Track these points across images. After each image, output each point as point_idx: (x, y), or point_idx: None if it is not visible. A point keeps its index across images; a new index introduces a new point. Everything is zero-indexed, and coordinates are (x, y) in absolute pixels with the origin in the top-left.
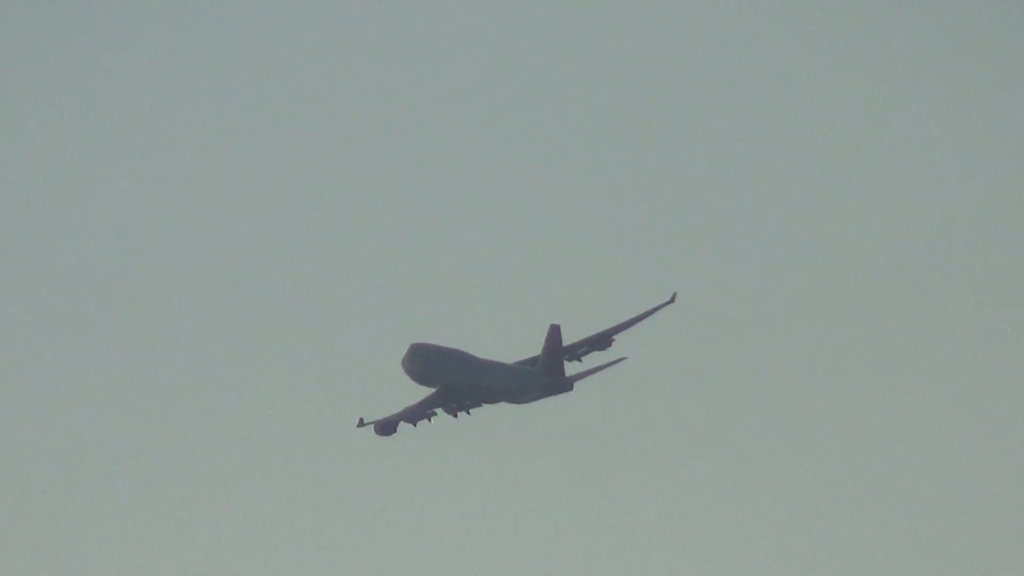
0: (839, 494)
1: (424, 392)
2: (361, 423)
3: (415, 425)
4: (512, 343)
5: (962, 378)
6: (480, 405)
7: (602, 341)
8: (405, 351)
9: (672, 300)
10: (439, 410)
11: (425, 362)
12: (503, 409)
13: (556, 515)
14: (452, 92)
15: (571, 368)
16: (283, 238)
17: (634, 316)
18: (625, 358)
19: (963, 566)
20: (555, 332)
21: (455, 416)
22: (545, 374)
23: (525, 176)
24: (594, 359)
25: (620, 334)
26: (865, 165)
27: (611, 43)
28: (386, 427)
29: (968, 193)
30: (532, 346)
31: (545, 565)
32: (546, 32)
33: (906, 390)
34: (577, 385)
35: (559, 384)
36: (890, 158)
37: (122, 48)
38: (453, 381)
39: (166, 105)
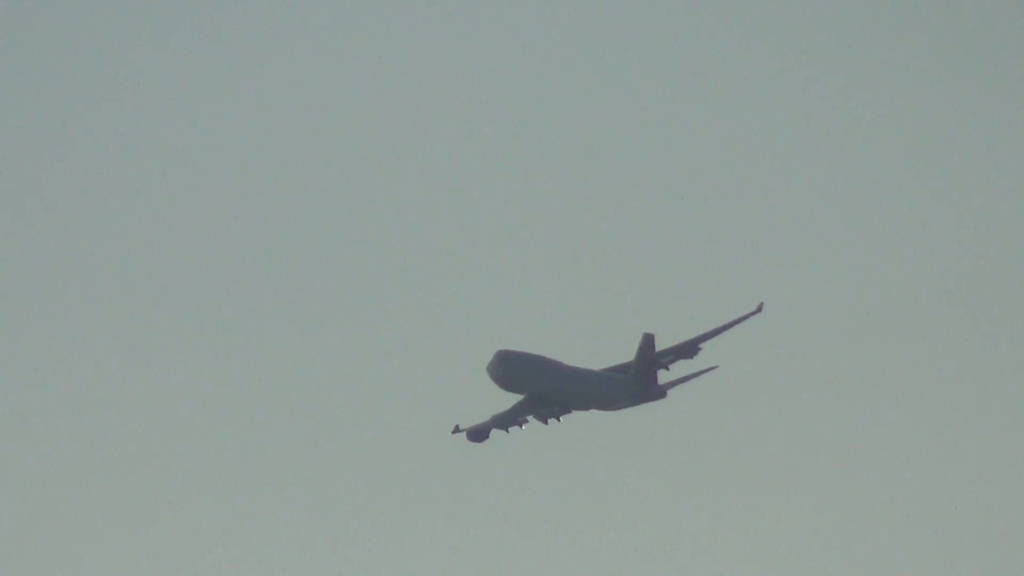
0: (922, 501)
1: (511, 399)
2: (456, 430)
3: (507, 431)
4: (598, 351)
5: None
6: (570, 412)
7: (689, 350)
8: (491, 358)
9: (759, 310)
10: (530, 417)
11: (512, 369)
12: (596, 416)
13: (649, 521)
14: (519, 94)
15: (660, 376)
16: (365, 242)
17: (721, 325)
18: (717, 367)
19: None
20: (648, 341)
21: (545, 423)
22: (638, 382)
23: (611, 185)
24: (681, 367)
25: (706, 343)
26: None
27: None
28: (479, 434)
29: None
30: (618, 354)
31: (636, 570)
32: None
33: (995, 402)
34: (670, 393)
35: (652, 392)
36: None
37: (122, 48)
38: (541, 388)
39: (169, 106)
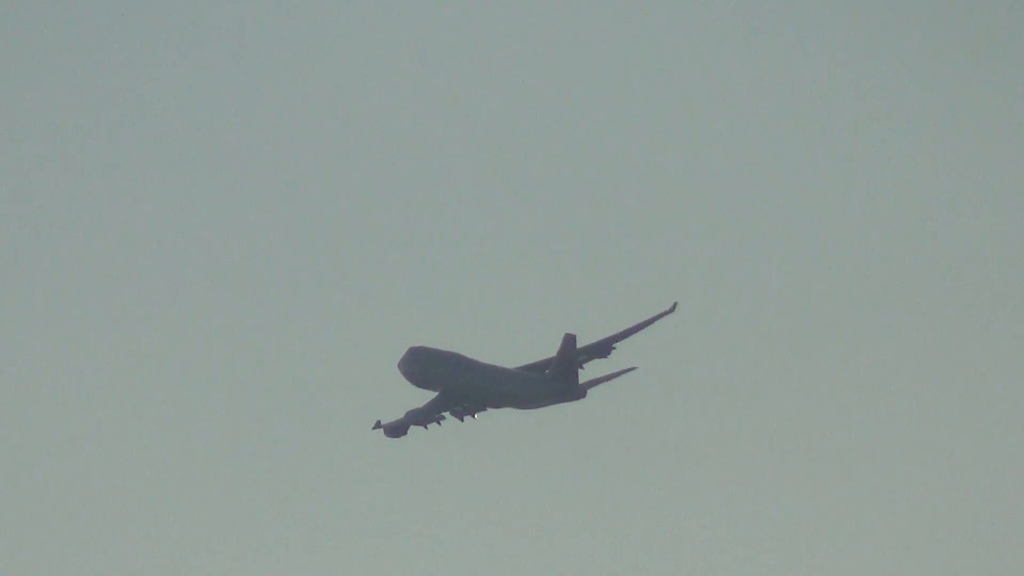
0: (841, 499)
1: (424, 395)
2: (378, 425)
3: (426, 428)
4: (514, 349)
5: (961, 384)
6: (485, 409)
7: (603, 349)
8: (403, 354)
9: (672, 309)
10: (446, 414)
11: (424, 365)
12: (516, 414)
13: (565, 519)
14: (453, 95)
15: (579, 376)
16: (280, 240)
17: (635, 324)
18: (636, 367)
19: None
20: (570, 341)
21: (462, 420)
22: (558, 381)
23: (528, 184)
24: (596, 367)
25: (620, 343)
26: (865, 170)
27: (597, 46)
28: (396, 429)
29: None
30: (533, 352)
31: (551, 569)
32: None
33: (907, 395)
34: (590, 392)
35: (573, 391)
36: (891, 163)
37: (121, 48)
38: (454, 385)
39: (163, 106)
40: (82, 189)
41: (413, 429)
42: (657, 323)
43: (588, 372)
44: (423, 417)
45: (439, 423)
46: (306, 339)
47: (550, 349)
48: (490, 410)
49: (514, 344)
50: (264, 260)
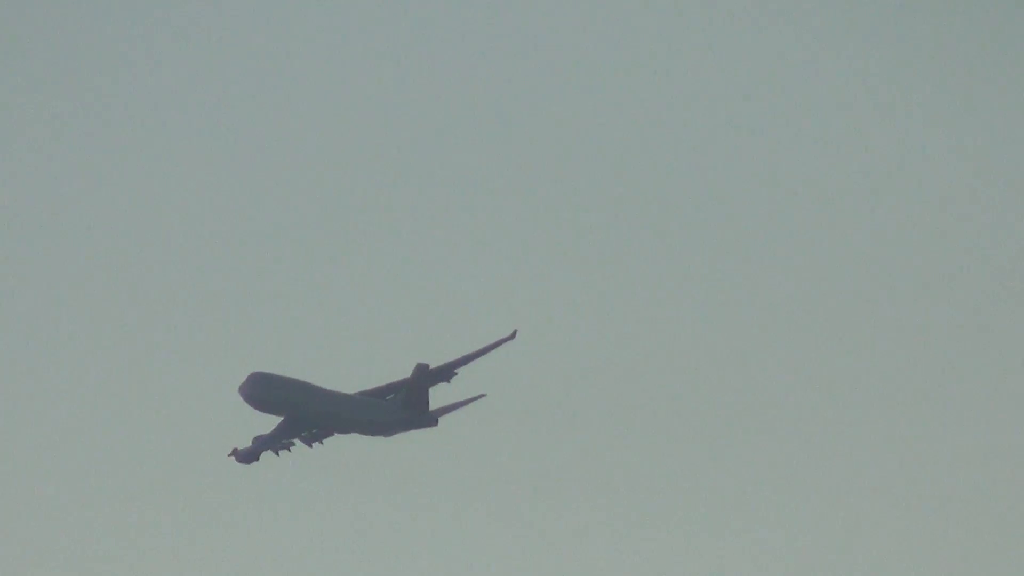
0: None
1: (267, 420)
2: (234, 452)
3: (277, 454)
4: (350, 374)
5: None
6: (332, 434)
7: (445, 374)
8: (244, 379)
9: (513, 336)
10: (296, 440)
11: (267, 390)
12: (368, 440)
13: (426, 542)
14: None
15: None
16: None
17: (476, 350)
18: (484, 395)
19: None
20: (422, 370)
21: (310, 446)
22: (409, 408)
23: (377, 209)
24: (441, 392)
25: (461, 368)
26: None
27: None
28: (248, 455)
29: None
30: (374, 378)
31: None
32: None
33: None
34: (441, 420)
35: (425, 419)
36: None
37: (121, 48)
38: (300, 411)
39: (160, 105)
40: (82, 189)
41: (265, 455)
42: (498, 349)
43: (435, 398)
44: (272, 443)
45: (289, 449)
46: (143, 361)
47: (388, 374)
48: (342, 436)
49: (353, 370)
50: (110, 280)
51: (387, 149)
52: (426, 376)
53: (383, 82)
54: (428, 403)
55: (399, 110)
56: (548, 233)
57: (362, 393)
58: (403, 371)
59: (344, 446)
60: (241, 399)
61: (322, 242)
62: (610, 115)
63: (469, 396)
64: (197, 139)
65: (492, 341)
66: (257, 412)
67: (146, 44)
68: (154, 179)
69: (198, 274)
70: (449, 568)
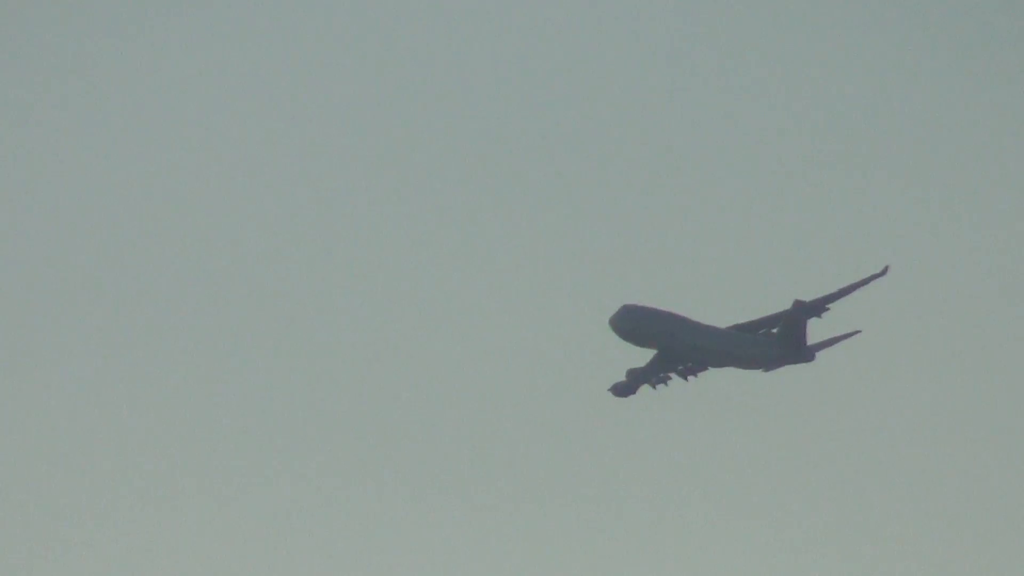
0: None
1: (636, 352)
2: (613, 387)
3: (654, 387)
4: (713, 307)
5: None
6: (706, 369)
7: (817, 309)
8: (616, 311)
9: (884, 272)
10: (672, 375)
11: (640, 323)
12: (746, 375)
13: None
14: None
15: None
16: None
17: (846, 286)
18: (860, 331)
19: None
20: (800, 306)
21: (686, 379)
22: (787, 343)
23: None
24: (813, 327)
25: (834, 303)
26: None
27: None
28: (626, 388)
29: None
30: (731, 312)
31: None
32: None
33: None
34: (818, 355)
35: (802, 354)
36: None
37: (121, 47)
38: (672, 344)
39: (165, 105)
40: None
41: (641, 389)
42: (870, 285)
43: (809, 334)
44: (648, 376)
45: (666, 383)
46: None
47: (757, 309)
48: (709, 369)
49: (721, 303)
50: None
51: None
52: (803, 311)
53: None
54: (806, 339)
55: None
56: (911, 168)
57: (734, 327)
58: (771, 306)
59: (721, 380)
60: (612, 331)
61: (694, 176)
62: None
63: (844, 332)
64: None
65: (863, 277)
66: (628, 345)
67: (146, 44)
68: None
69: (561, 207)
70: (824, 501)
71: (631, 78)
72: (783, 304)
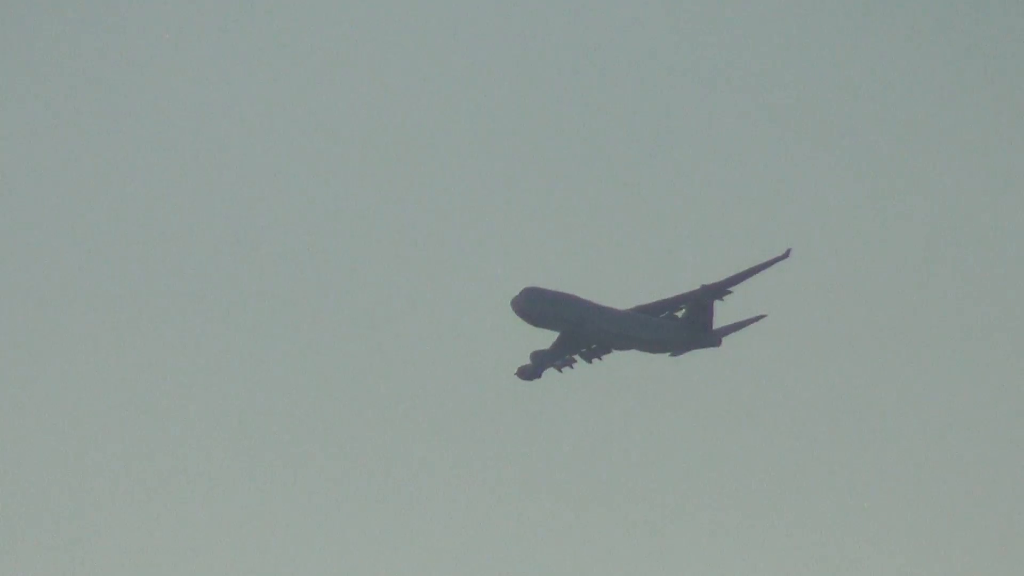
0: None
1: (540, 335)
2: (519, 371)
3: (560, 371)
4: (615, 290)
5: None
6: (610, 351)
7: (720, 292)
8: (518, 293)
9: (787, 255)
10: (577, 356)
11: (542, 305)
12: (651, 358)
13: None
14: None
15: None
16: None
17: (748, 268)
18: (765, 315)
19: None
20: (706, 289)
21: (589, 362)
22: (694, 327)
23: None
24: (718, 312)
25: (736, 287)
26: None
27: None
28: (531, 372)
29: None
30: (632, 295)
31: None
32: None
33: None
34: (724, 340)
35: (708, 338)
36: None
37: (121, 47)
38: (575, 327)
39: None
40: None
41: (547, 372)
42: (771, 268)
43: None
44: (553, 359)
45: (571, 366)
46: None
47: (656, 291)
48: (612, 352)
49: (623, 286)
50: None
51: None
52: (709, 294)
53: None
54: (712, 323)
55: None
56: (814, 151)
57: (635, 309)
58: (671, 289)
59: (628, 364)
60: (515, 313)
61: (597, 159)
62: None
63: (748, 316)
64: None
65: (766, 259)
66: (530, 327)
67: (145, 44)
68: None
69: (469, 191)
70: (729, 486)
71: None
72: (682, 287)
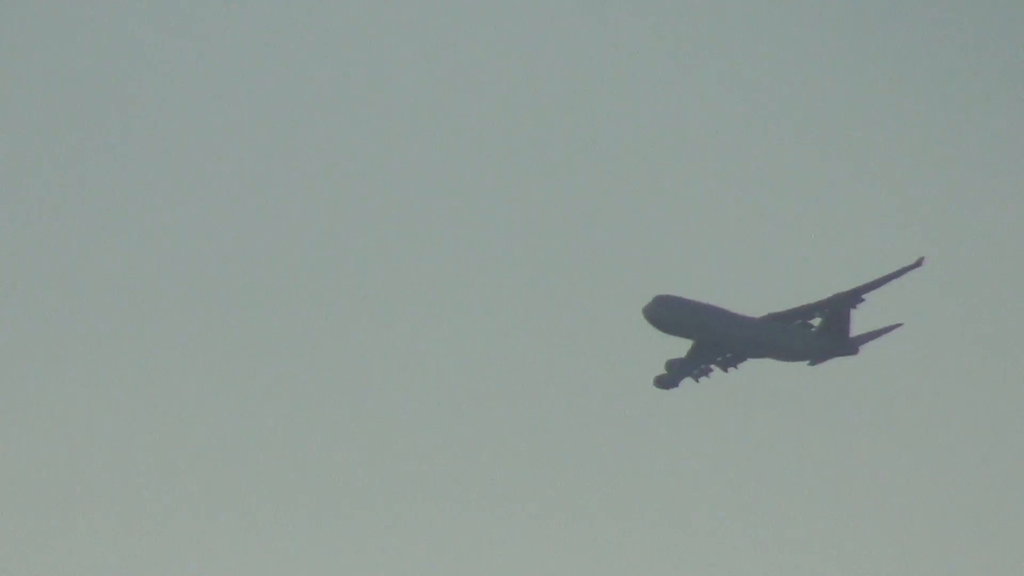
0: None
1: (674, 343)
2: (660, 381)
3: (696, 380)
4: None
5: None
6: (744, 360)
7: (852, 300)
8: (649, 301)
9: (919, 264)
10: (714, 366)
11: (674, 312)
12: (789, 367)
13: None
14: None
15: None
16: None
17: (880, 277)
18: (902, 324)
19: None
20: (840, 298)
21: (725, 371)
22: (830, 335)
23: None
24: (862, 323)
25: (869, 294)
26: None
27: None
28: (668, 381)
29: None
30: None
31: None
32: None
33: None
34: (861, 348)
35: (846, 346)
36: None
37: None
38: (708, 335)
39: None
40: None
41: (684, 381)
42: (903, 278)
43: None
44: (690, 368)
45: (707, 375)
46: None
47: (791, 299)
48: (747, 360)
49: (755, 294)
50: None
51: None
52: (845, 301)
53: None
54: (848, 331)
55: None
56: (952, 157)
57: (768, 316)
58: (802, 297)
59: (766, 373)
60: (647, 321)
61: (733, 167)
62: None
63: (884, 325)
64: None
65: (898, 268)
66: (662, 335)
67: (145, 44)
68: None
69: (600, 198)
70: (867, 496)
71: (648, 73)
72: (814, 296)
